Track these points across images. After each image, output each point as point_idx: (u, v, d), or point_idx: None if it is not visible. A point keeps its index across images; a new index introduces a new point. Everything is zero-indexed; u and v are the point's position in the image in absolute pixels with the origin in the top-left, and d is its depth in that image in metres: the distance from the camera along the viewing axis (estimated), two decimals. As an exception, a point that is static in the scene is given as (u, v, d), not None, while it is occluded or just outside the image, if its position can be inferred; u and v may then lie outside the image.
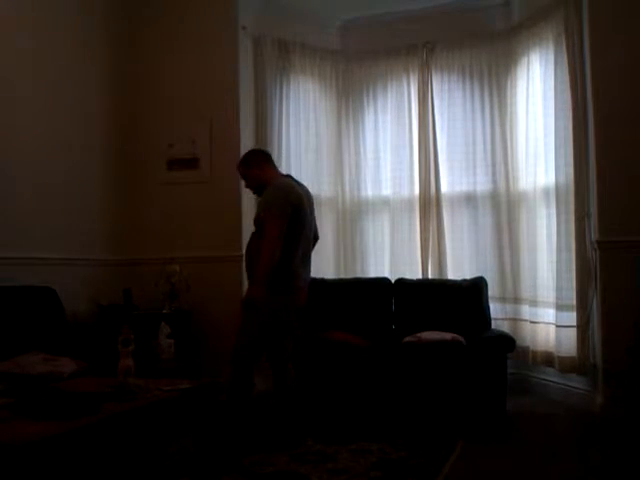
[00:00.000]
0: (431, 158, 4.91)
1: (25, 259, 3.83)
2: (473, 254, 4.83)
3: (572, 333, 4.09)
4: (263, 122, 4.88)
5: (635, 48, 3.79)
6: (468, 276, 4.52)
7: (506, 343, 3.78)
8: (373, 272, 5.01)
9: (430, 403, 3.71)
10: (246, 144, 4.73)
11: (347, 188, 5.20)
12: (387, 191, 5.10)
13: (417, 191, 4.96)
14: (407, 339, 3.98)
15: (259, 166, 3.47)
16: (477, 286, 4.28)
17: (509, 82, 4.79)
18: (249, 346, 3.23)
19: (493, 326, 4.29)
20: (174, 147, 4.79)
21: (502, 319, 4.66)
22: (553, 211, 4.28)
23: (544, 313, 4.40)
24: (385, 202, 5.11)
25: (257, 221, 3.28)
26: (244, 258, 3.57)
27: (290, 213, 3.19)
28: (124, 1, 4.88)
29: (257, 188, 3.47)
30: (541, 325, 4.43)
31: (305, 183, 5.01)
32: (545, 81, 4.41)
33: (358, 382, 3.86)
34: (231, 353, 3.20)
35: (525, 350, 4.49)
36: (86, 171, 4.49)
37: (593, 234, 3.95)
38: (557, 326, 4.19)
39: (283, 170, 4.94)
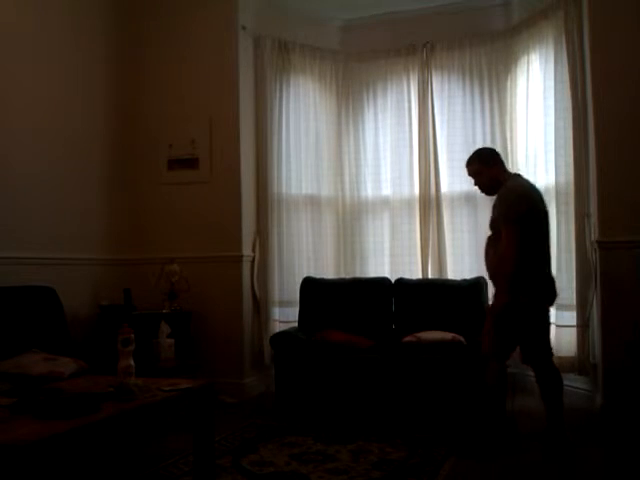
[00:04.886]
0: (431, 158, 4.91)
1: (25, 259, 3.83)
2: (473, 254, 4.82)
3: (572, 333, 4.09)
4: (263, 122, 4.88)
5: (635, 47, 3.78)
6: (468, 276, 4.51)
7: (506, 343, 3.77)
8: (373, 272, 5.01)
9: (430, 403, 3.71)
10: (246, 144, 4.74)
11: (347, 188, 5.20)
12: (387, 191, 5.10)
13: (417, 191, 4.96)
14: (407, 339, 3.98)
15: (497, 164, 3.40)
16: (477, 286, 4.28)
17: (509, 82, 4.79)
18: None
19: (493, 326, 4.28)
20: (174, 147, 4.80)
21: (502, 319, 4.66)
22: (553, 211, 4.26)
23: (544, 313, 4.39)
24: (385, 202, 5.11)
25: (493, 224, 3.25)
26: (487, 262, 3.33)
27: (526, 215, 3.10)
28: (124, 2, 4.89)
29: (491, 188, 3.38)
30: (541, 325, 4.42)
31: (305, 183, 5.10)
32: (545, 81, 4.41)
33: (358, 382, 3.86)
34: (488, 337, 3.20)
35: (525, 350, 4.49)
36: (86, 171, 4.49)
37: (593, 234, 3.94)
38: (557, 326, 4.18)
39: (282, 170, 4.98)
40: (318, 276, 4.75)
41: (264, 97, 4.90)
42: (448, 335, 3.88)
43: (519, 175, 3.50)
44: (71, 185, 4.32)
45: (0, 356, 3.13)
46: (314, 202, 5.12)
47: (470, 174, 3.49)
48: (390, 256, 5.05)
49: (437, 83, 4.98)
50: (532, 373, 4.52)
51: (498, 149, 4.74)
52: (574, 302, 4.08)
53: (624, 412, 3.56)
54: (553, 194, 4.27)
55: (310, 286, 4.59)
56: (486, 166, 3.40)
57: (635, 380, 3.44)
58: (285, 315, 4.88)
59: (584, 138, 4.05)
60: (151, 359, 3.99)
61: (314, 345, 4.05)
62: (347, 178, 5.19)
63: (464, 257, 4.86)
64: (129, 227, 4.82)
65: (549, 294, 3.24)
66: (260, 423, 3.84)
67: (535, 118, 4.51)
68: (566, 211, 4.18)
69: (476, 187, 3.51)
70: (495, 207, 3.29)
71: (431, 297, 4.35)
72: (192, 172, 4.76)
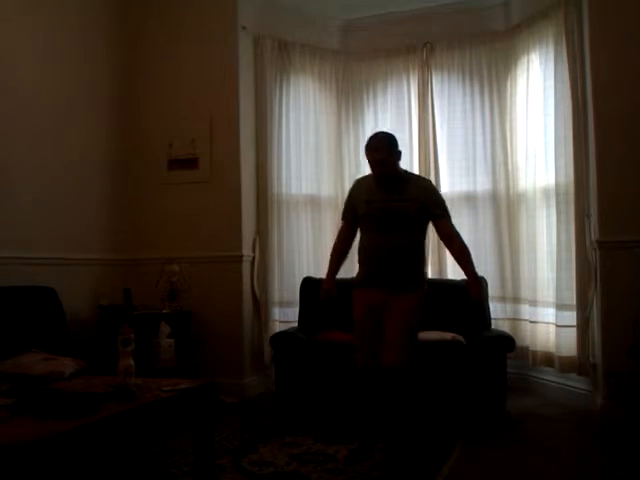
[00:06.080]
0: (431, 158, 4.91)
1: (25, 259, 3.83)
2: (473, 254, 4.80)
3: (572, 333, 4.09)
4: (263, 122, 4.88)
5: (635, 47, 3.77)
6: (468, 276, 4.50)
7: (506, 343, 3.78)
8: (373, 272, 5.00)
9: (430, 403, 3.71)
10: (246, 144, 4.74)
11: (347, 188, 5.17)
12: (387, 191, 5.09)
13: (417, 191, 4.95)
14: (407, 339, 3.97)
15: (398, 154, 3.20)
16: (477, 286, 4.27)
17: (509, 82, 4.79)
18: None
19: (493, 326, 4.28)
20: (174, 147, 4.80)
21: (502, 319, 4.66)
22: (553, 211, 4.28)
23: (544, 313, 4.40)
24: (385, 202, 5.10)
25: (410, 215, 3.16)
26: (391, 256, 3.33)
27: None
28: (124, 1, 4.89)
29: (387, 179, 3.17)
30: (541, 325, 4.43)
31: (305, 183, 5.10)
32: (545, 81, 4.41)
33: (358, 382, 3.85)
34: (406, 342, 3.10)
35: (525, 350, 4.50)
36: (86, 171, 4.49)
37: (593, 234, 3.94)
38: (557, 326, 4.19)
39: (282, 170, 4.98)
40: (318, 276, 4.74)
41: (264, 97, 4.89)
42: (448, 335, 3.88)
43: None
44: (71, 185, 4.32)
45: (0, 356, 3.13)
46: (314, 202, 5.12)
47: (374, 162, 3.13)
48: (390, 256, 5.04)
49: (437, 83, 4.99)
50: (530, 373, 4.55)
51: (498, 149, 4.80)
52: (574, 302, 4.08)
53: (624, 412, 3.56)
54: (553, 194, 4.28)
55: (310, 286, 4.58)
56: (393, 155, 3.16)
57: (635, 380, 3.44)
58: (285, 315, 4.88)
59: (584, 138, 4.05)
60: (151, 359, 3.99)
61: (314, 345, 4.05)
62: (347, 178, 5.18)
63: (464, 257, 4.85)
64: (129, 227, 4.81)
65: None
66: (260, 423, 3.84)
67: (535, 118, 4.51)
68: (566, 211, 4.18)
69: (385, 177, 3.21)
70: (421, 198, 3.15)
71: (431, 297, 4.33)
72: (192, 172, 4.76)
